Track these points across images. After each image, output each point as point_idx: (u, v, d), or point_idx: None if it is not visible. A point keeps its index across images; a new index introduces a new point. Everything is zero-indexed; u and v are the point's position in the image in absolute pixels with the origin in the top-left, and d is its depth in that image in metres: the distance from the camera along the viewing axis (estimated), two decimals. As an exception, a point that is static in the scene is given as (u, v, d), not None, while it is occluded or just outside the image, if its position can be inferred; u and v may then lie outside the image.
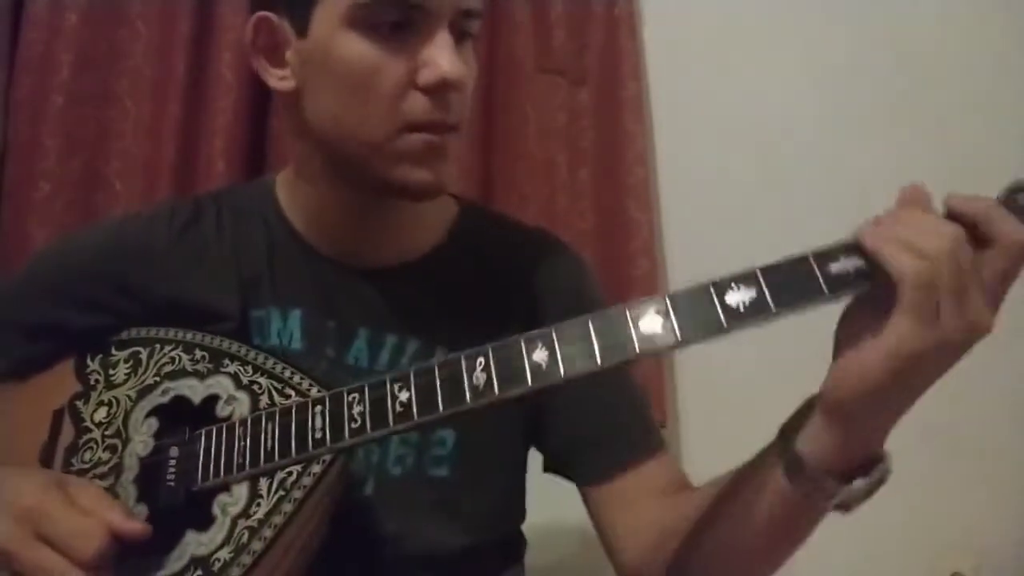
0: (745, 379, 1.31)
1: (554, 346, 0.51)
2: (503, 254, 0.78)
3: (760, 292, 0.47)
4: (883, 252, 0.47)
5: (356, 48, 0.60)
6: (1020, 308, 1.23)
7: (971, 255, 0.46)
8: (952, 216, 0.49)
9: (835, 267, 0.47)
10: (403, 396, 0.54)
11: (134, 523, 0.57)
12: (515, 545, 0.81)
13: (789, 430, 0.55)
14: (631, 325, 0.49)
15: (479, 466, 0.73)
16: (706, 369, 1.39)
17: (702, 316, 0.48)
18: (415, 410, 0.53)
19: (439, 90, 0.61)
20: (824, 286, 0.47)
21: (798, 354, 1.38)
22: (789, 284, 0.47)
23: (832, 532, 1.46)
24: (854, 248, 0.47)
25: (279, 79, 0.67)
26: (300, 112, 0.67)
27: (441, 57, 0.60)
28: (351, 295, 0.73)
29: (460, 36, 0.64)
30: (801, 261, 0.48)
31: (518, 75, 1.42)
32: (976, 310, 0.45)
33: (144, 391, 0.66)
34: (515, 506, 0.80)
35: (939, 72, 1.38)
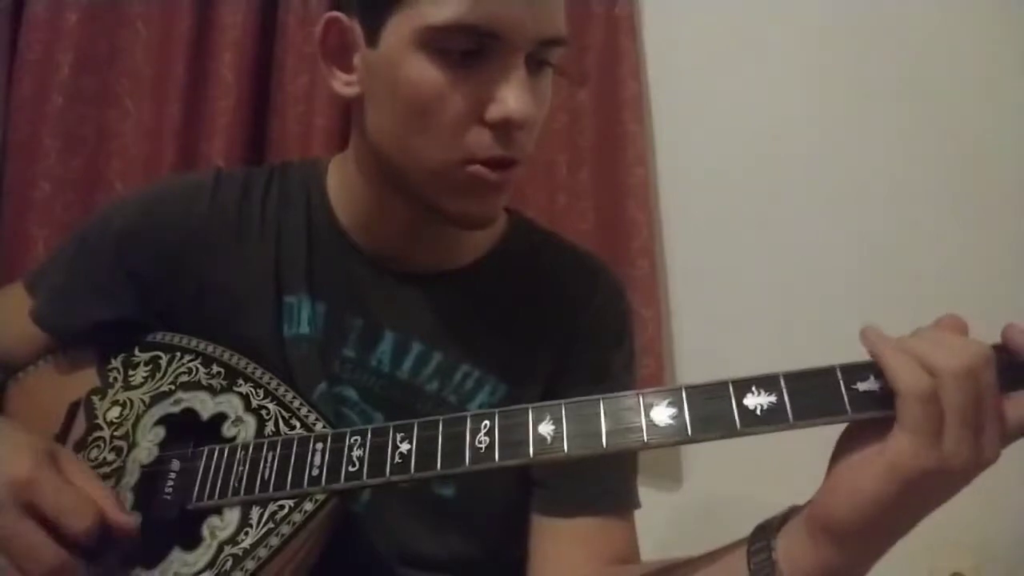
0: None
1: (562, 422, 0.50)
2: (544, 274, 0.75)
3: (780, 399, 0.46)
4: (886, 359, 0.44)
5: (424, 72, 0.57)
6: (1020, 306, 1.23)
7: (994, 383, 0.43)
8: (1004, 344, 0.45)
9: (862, 385, 0.45)
10: (404, 447, 0.53)
11: (123, 515, 0.57)
12: (524, 564, 0.79)
13: (768, 532, 0.51)
14: (642, 414, 0.48)
15: (486, 485, 0.71)
16: (707, 366, 1.39)
17: (716, 414, 0.47)
18: (413, 463, 0.53)
19: (504, 128, 0.57)
20: (848, 404, 0.45)
21: (800, 353, 1.38)
22: (811, 397, 0.45)
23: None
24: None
25: (344, 84, 0.64)
26: (362, 118, 0.64)
27: (511, 94, 0.56)
28: (384, 296, 0.71)
29: (538, 65, 0.60)
30: (827, 374, 0.46)
31: (518, 75, 1.42)
32: (986, 444, 0.43)
33: (157, 397, 0.67)
34: (524, 525, 0.77)
35: (939, 72, 1.38)
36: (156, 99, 1.37)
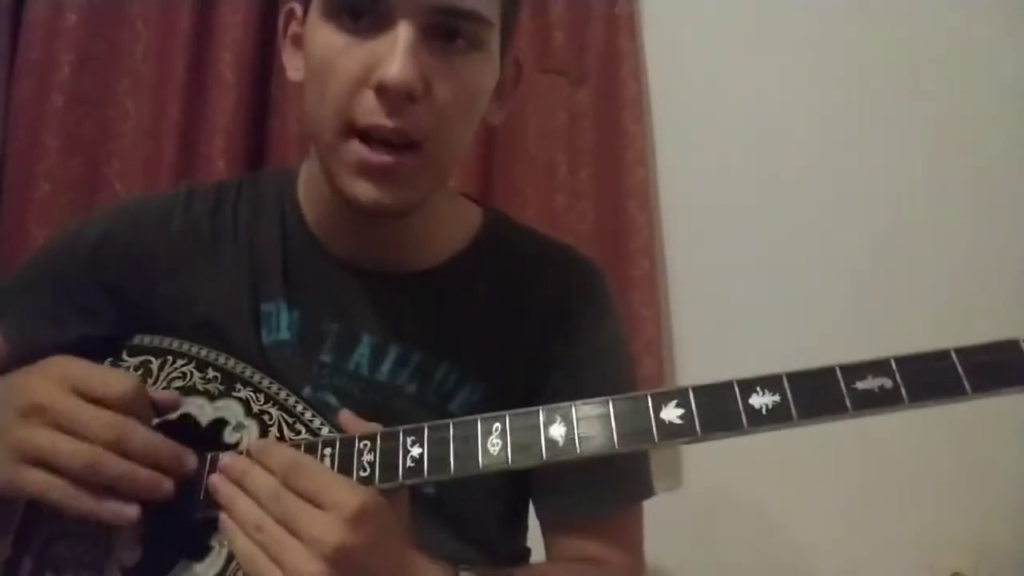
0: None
1: (572, 424, 0.51)
2: (522, 269, 0.74)
3: (784, 398, 0.48)
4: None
5: (324, 38, 0.58)
6: (1021, 310, 1.23)
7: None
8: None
9: (861, 384, 0.47)
10: (415, 451, 0.53)
11: (163, 392, 0.59)
12: (518, 557, 0.79)
13: None
14: (652, 414, 0.49)
15: (467, 483, 0.71)
16: (707, 366, 1.39)
17: (724, 414, 0.48)
18: (426, 467, 0.53)
19: (385, 95, 0.55)
20: (848, 402, 0.47)
21: (801, 352, 1.38)
22: (813, 395, 0.47)
23: (833, 531, 1.46)
24: (883, 366, 0.47)
25: (295, 69, 0.66)
26: None
27: (390, 56, 0.54)
28: (359, 300, 0.70)
29: (447, 39, 0.57)
30: (828, 374, 0.48)
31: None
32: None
33: None
34: (514, 520, 0.77)
35: (939, 72, 1.38)
36: (156, 99, 1.37)
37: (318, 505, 0.50)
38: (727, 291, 1.41)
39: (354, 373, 0.70)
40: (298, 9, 0.65)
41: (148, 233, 0.72)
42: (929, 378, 0.46)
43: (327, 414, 0.62)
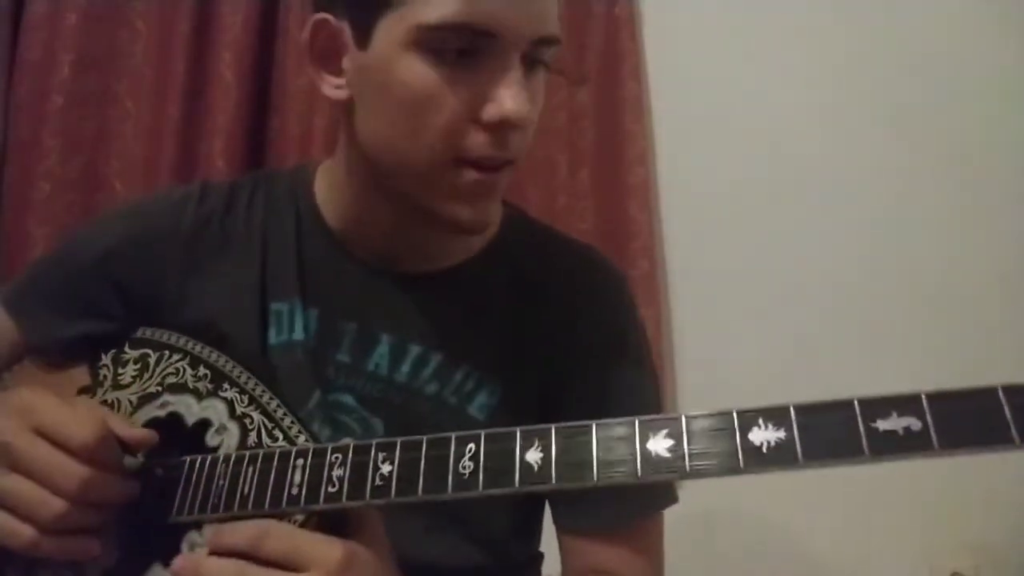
0: (746, 379, 1.31)
1: (551, 449, 0.47)
2: (541, 270, 0.73)
3: (789, 436, 0.41)
4: None
5: (418, 72, 0.56)
6: (1021, 309, 1.23)
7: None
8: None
9: (883, 424, 0.40)
10: (385, 468, 0.50)
11: (134, 429, 0.57)
12: (531, 561, 0.79)
13: None
14: (638, 444, 0.44)
15: None
16: (707, 366, 1.39)
17: (718, 449, 0.42)
18: (393, 487, 0.50)
19: (500, 128, 0.57)
20: (866, 445, 0.40)
21: (800, 353, 1.39)
22: (824, 434, 0.41)
23: (832, 532, 1.45)
24: (911, 403, 0.40)
25: (333, 87, 0.63)
26: (352, 122, 0.63)
27: (507, 94, 0.56)
28: (377, 299, 0.70)
29: (532, 65, 0.59)
30: (844, 408, 0.41)
31: (518, 75, 1.42)
32: None
33: (144, 399, 0.66)
34: (527, 524, 0.76)
35: (940, 72, 1.38)
36: (156, 99, 1.37)
37: (295, 568, 0.48)
38: (727, 291, 1.40)
39: (373, 373, 0.69)
40: (334, 22, 0.61)
41: (158, 233, 0.72)
42: (968, 421, 0.38)
43: (309, 424, 0.61)
